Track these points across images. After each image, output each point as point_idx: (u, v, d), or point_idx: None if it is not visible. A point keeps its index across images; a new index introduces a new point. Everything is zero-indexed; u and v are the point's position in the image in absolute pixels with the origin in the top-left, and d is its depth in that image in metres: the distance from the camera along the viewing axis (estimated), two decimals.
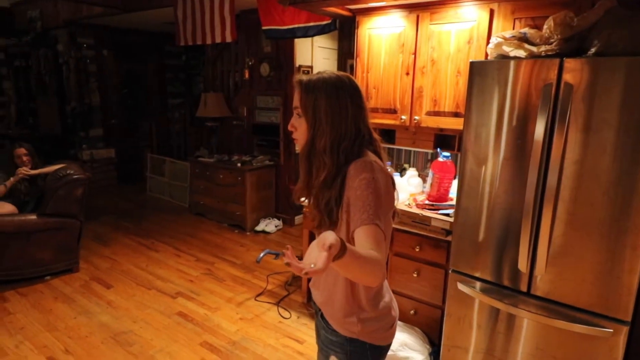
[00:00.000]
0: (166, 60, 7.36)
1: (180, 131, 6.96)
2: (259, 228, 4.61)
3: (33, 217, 3.26)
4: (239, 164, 4.60)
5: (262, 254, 3.28)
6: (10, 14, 6.48)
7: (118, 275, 3.52)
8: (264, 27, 3.97)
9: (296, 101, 1.20)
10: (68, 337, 2.65)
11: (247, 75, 5.01)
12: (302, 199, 1.29)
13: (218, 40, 4.15)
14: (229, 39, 4.10)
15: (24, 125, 6.76)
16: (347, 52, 4.29)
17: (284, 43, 4.56)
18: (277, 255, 3.55)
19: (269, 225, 4.61)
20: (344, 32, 4.26)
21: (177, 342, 2.61)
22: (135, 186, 6.34)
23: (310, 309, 2.94)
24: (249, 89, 5.07)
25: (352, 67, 3.33)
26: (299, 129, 1.21)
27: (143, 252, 4.02)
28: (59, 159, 4.06)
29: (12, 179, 3.43)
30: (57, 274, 3.45)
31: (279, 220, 4.77)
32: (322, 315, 1.30)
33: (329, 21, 3.55)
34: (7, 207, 3.31)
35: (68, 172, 3.40)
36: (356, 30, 2.75)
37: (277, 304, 3.08)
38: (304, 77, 1.19)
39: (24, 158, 3.50)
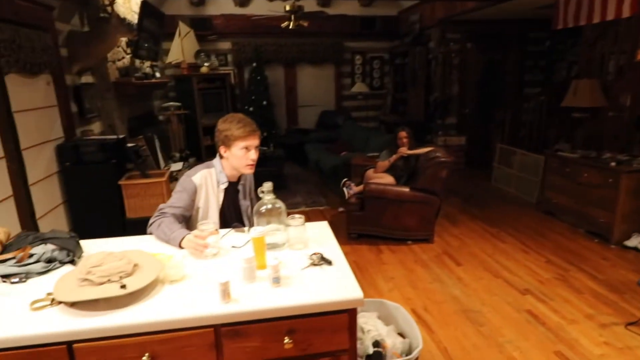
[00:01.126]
0: (528, 48, 7.03)
1: (534, 122, 6.55)
2: (630, 243, 3.78)
3: (406, 189, 3.89)
4: (612, 163, 3.87)
5: None
6: (396, 20, 7.84)
7: (466, 255, 3.74)
8: None
9: None
10: (426, 297, 3.05)
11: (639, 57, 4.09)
12: None
13: (610, 17, 3.55)
14: (625, 14, 3.44)
15: (395, 113, 8.14)
16: None
17: None
18: None
19: None
20: None
21: (528, 341, 2.52)
22: (481, 173, 6.49)
23: None
24: None
25: None
26: None
27: (489, 239, 4.09)
28: (419, 143, 4.63)
29: (394, 156, 4.20)
30: (416, 240, 4.02)
31: None
32: None
33: None
34: (389, 179, 4.09)
35: (437, 154, 3.83)
36: None
37: None
38: None
39: (404, 140, 4.20)
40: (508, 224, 4.46)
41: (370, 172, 4.32)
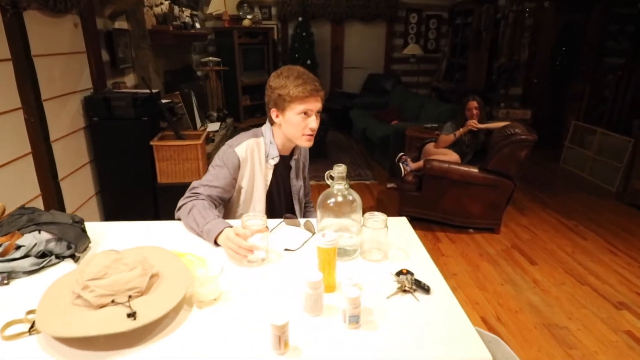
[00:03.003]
0: (615, 9, 6.02)
1: (618, 97, 5.67)
2: None
3: (475, 170, 3.33)
4: None
5: None
6: None
7: (540, 252, 3.19)
8: None
9: None
10: (497, 303, 2.56)
11: None
12: None
13: None
14: None
15: (450, 79, 7.37)
16: None
17: None
18: None
19: None
20: None
21: None
22: (546, 153, 5.76)
23: None
24: None
25: None
26: None
27: (565, 233, 3.51)
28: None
29: (461, 129, 3.61)
30: (480, 229, 3.49)
31: None
32: None
33: None
34: (453, 156, 3.53)
35: (515, 131, 3.22)
36: None
37: None
38: None
39: (475, 111, 3.58)
40: (586, 216, 3.84)
41: (430, 146, 3.76)
